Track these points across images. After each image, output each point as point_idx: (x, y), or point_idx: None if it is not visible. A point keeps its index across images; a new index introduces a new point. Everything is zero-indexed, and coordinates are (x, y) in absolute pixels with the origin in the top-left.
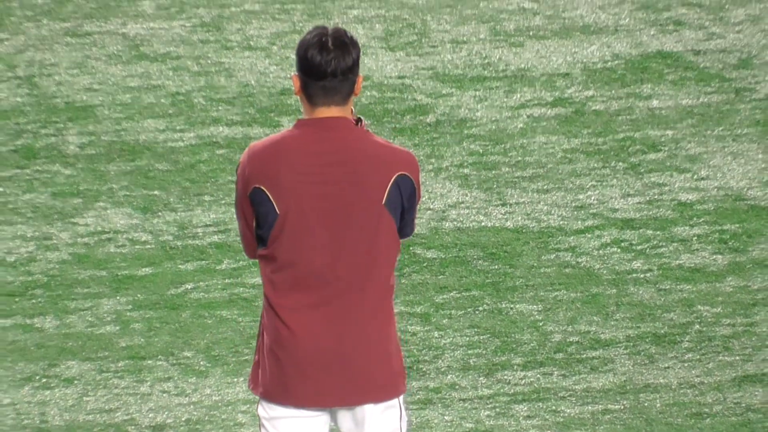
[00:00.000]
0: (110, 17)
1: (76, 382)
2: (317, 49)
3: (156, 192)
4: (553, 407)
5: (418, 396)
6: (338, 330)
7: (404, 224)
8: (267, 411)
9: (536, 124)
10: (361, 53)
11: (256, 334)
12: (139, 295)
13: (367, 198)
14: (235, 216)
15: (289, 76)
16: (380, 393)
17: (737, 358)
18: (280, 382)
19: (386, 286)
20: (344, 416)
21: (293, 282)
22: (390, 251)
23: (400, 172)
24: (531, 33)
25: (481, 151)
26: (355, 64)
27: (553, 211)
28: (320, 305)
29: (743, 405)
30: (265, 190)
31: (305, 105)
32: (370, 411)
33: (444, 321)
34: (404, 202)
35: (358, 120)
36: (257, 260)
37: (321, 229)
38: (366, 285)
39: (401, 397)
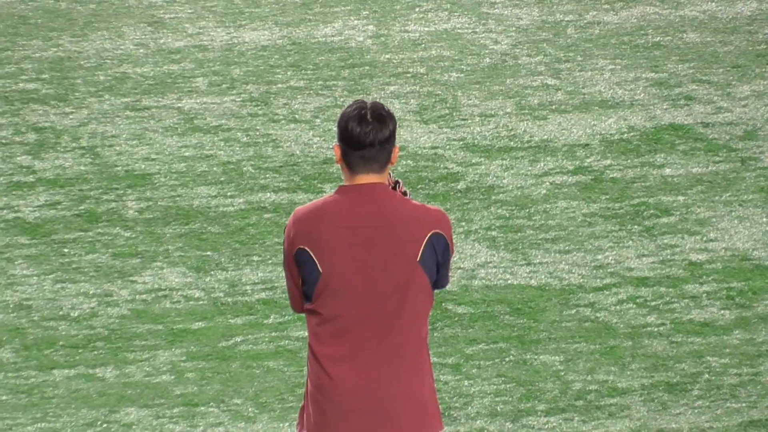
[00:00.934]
0: (167, 93)
1: (134, 427)
2: (357, 121)
3: (208, 252)
4: None
5: None
6: (374, 378)
7: (440, 277)
8: None
9: (558, 190)
10: (397, 125)
11: (305, 381)
12: (192, 347)
13: (402, 256)
14: (283, 275)
15: (330, 146)
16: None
17: (743, 404)
18: (320, 427)
19: (419, 337)
20: None
21: (334, 333)
22: (422, 305)
23: (433, 231)
24: (553, 107)
25: (507, 215)
26: (392, 136)
27: (573, 270)
28: (358, 355)
29: None
30: (308, 250)
31: (346, 172)
32: None
33: (473, 371)
34: (438, 257)
35: (396, 183)
36: (303, 314)
37: (360, 287)
38: (400, 336)
39: None
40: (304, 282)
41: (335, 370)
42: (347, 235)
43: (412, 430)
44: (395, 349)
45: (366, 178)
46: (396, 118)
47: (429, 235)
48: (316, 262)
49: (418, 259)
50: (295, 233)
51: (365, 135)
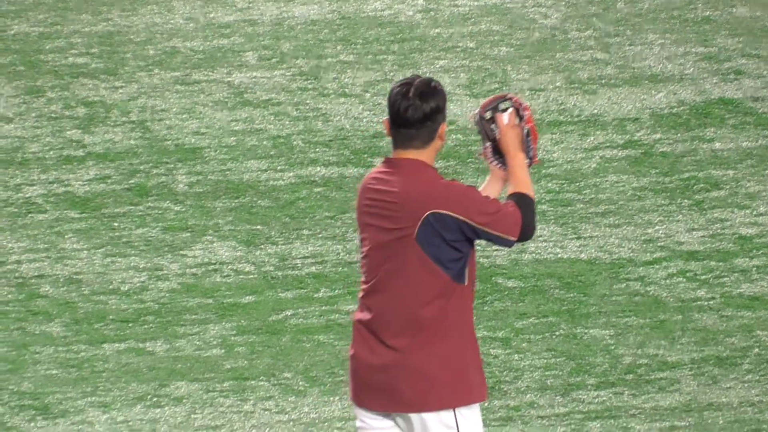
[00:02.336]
0: (216, 67)
1: (184, 401)
2: (399, 97)
3: (258, 227)
4: (624, 424)
5: (499, 414)
6: (377, 347)
7: (484, 239)
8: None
9: (608, 164)
10: (443, 103)
11: None
12: (242, 321)
13: (402, 233)
14: (334, 249)
15: (380, 120)
16: (407, 406)
17: None
18: (351, 387)
19: (423, 313)
20: (402, 423)
21: (361, 301)
22: (422, 282)
23: (431, 211)
24: (603, 81)
25: (557, 189)
26: (434, 112)
27: (623, 244)
28: (371, 323)
29: None
30: (356, 218)
31: (392, 146)
32: (423, 422)
33: (523, 345)
34: (445, 235)
35: (519, 107)
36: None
37: (374, 258)
38: (401, 312)
39: (457, 416)
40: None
41: (356, 337)
42: (372, 207)
43: (403, 403)
44: (397, 322)
45: (404, 153)
46: (446, 94)
47: (426, 215)
48: (357, 231)
49: (414, 236)
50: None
51: (404, 111)
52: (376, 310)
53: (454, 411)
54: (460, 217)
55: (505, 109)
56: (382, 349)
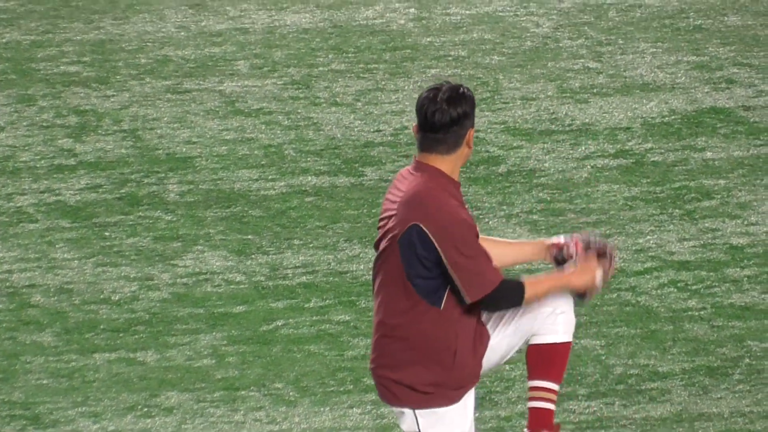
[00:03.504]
0: (208, 76)
1: (175, 411)
2: (428, 101)
3: (250, 236)
4: None
5: (490, 424)
6: (373, 343)
7: (454, 281)
8: None
9: (599, 174)
10: (472, 108)
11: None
12: (233, 331)
13: (392, 234)
14: (321, 258)
15: (372, 129)
16: (392, 399)
17: None
18: None
19: (398, 318)
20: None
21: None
22: (391, 295)
23: (413, 222)
24: (595, 90)
25: (548, 198)
26: (462, 118)
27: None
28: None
29: None
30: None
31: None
32: (400, 414)
33: (514, 355)
34: (420, 251)
35: (564, 247)
36: (347, 300)
37: (375, 263)
38: (381, 311)
39: (417, 415)
40: None
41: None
42: (386, 207)
43: (389, 396)
44: (381, 323)
45: (428, 158)
46: (475, 100)
47: (410, 225)
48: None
49: (398, 239)
50: None
51: (431, 115)
52: (375, 312)
53: (414, 411)
54: (435, 243)
55: (603, 254)
56: (373, 342)
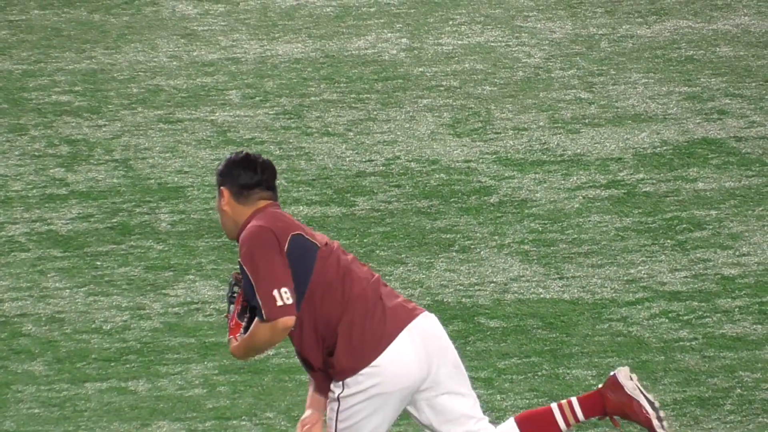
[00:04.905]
0: (200, 105)
1: None
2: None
3: None
4: None
5: None
6: None
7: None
8: None
9: (591, 204)
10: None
11: None
12: (225, 361)
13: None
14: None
15: (364, 159)
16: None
17: None
18: None
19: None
20: None
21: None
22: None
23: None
24: (586, 121)
25: (540, 229)
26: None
27: (606, 285)
28: None
29: None
30: (301, 233)
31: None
32: None
33: (506, 385)
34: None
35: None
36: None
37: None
38: None
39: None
40: (299, 266)
41: None
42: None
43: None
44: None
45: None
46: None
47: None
48: (311, 239)
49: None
50: (280, 229)
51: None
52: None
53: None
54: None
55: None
56: None
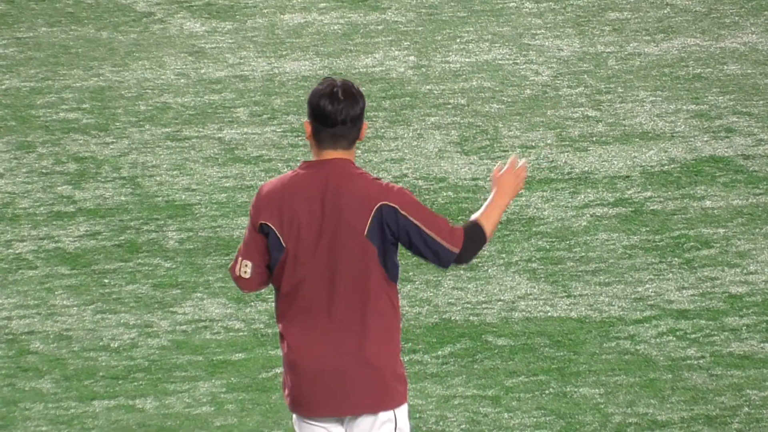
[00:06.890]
0: (207, 123)
1: None
2: (328, 99)
3: None
4: None
5: None
6: (325, 347)
7: (423, 250)
8: (294, 417)
9: (599, 222)
10: (365, 104)
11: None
12: (233, 379)
13: (350, 229)
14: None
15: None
16: (369, 406)
17: None
18: (295, 397)
19: (377, 309)
20: (350, 426)
21: (296, 309)
22: (371, 276)
23: (381, 203)
24: (594, 139)
25: (547, 247)
26: (362, 113)
27: (613, 303)
28: (319, 329)
29: None
30: (272, 227)
31: (314, 148)
32: (368, 423)
33: (513, 403)
34: (392, 229)
35: None
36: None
37: (318, 260)
38: (357, 310)
39: (398, 412)
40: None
41: (295, 342)
42: (307, 211)
43: (364, 403)
44: (346, 318)
45: (333, 154)
46: (364, 98)
47: (375, 208)
48: (280, 238)
49: (365, 233)
50: (259, 209)
51: (337, 113)
52: (327, 310)
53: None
54: (402, 213)
55: None
56: (325, 342)
